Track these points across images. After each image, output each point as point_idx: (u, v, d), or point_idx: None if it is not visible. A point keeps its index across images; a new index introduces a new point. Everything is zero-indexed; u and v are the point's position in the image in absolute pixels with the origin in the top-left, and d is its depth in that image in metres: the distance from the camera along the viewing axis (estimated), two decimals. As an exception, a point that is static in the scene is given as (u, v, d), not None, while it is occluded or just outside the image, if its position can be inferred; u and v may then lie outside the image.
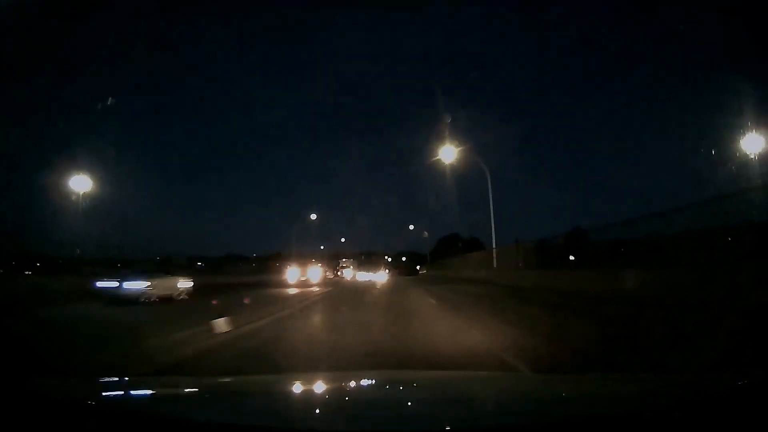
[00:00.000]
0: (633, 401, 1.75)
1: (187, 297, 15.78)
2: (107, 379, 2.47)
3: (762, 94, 13.32)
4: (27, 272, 20.58)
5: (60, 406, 1.52)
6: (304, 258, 40.05)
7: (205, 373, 4.64)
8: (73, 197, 21.36)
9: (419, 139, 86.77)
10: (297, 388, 2.38)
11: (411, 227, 71.25)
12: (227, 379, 3.03)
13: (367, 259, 72.69)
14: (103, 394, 1.95)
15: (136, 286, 13.57)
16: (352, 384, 2.57)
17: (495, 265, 26.17)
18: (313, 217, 50.72)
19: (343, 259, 64.29)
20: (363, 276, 45.21)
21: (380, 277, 43.46)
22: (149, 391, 2.13)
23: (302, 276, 29.10)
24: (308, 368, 4.78)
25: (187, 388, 2.31)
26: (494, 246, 27.22)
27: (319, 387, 2.44)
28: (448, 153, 26.08)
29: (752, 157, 13.35)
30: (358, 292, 20.64)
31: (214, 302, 13.34)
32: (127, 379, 2.66)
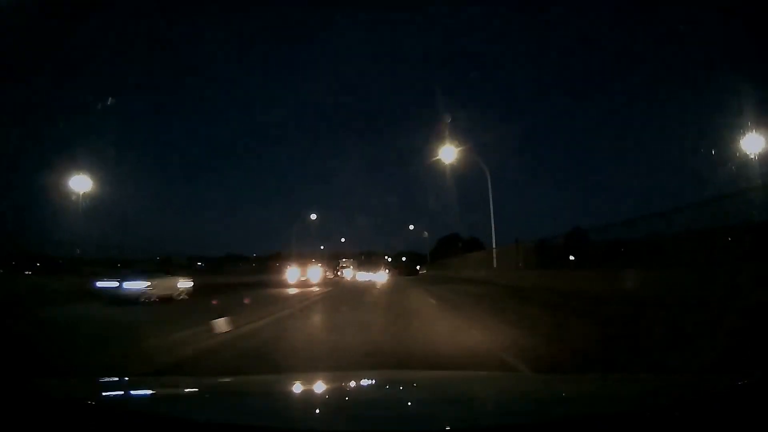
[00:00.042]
0: (633, 401, 1.75)
1: (187, 297, 15.73)
2: (107, 379, 2.47)
3: (762, 94, 13.33)
4: (27, 272, 20.60)
5: (60, 406, 1.52)
6: (304, 258, 39.98)
7: (205, 373, 4.64)
8: (73, 197, 21.39)
9: (419, 139, 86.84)
10: (297, 388, 2.38)
11: (411, 227, 71.36)
12: (227, 379, 3.03)
13: (367, 259, 72.69)
14: (103, 394, 1.95)
15: (136, 286, 13.54)
16: (352, 384, 2.57)
17: (495, 266, 26.11)
18: (313, 217, 50.80)
19: (343, 259, 64.29)
20: (363, 276, 45.21)
21: (380, 277, 43.45)
22: (149, 391, 2.13)
23: (302, 276, 28.99)
24: (308, 369, 4.78)
25: (187, 388, 2.31)
26: (494, 246, 27.16)
27: (319, 387, 2.44)
28: (448, 153, 26.08)
29: (752, 157, 13.35)
30: (358, 292, 20.60)
31: (214, 302, 13.30)
32: (127, 379, 2.66)
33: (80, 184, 21.65)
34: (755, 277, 7.50)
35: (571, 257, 18.14)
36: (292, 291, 20.32)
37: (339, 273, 53.10)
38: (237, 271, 41.59)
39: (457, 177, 32.60)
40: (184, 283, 16.33)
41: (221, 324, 7.14)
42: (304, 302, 14.12)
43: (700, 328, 5.94)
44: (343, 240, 76.51)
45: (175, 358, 5.25)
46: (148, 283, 13.76)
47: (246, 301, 13.60)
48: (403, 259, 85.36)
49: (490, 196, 26.24)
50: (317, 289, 22.83)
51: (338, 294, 19.23)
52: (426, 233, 68.77)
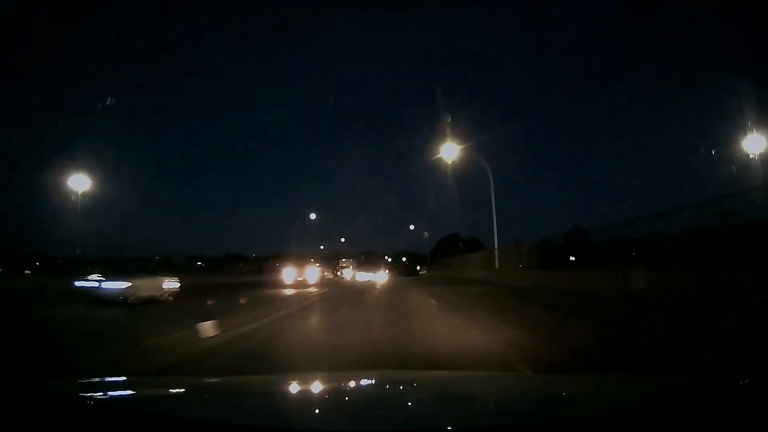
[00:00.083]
0: (633, 401, 1.75)
1: (172, 298, 14.94)
2: (107, 379, 2.47)
3: (762, 94, 13.34)
4: (27, 271, 20.64)
5: (60, 406, 1.52)
6: (303, 258, 39.77)
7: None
8: (74, 197, 21.40)
9: (419, 139, 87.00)
10: (297, 388, 2.38)
11: (411, 227, 71.43)
12: (227, 379, 3.03)
13: (367, 259, 72.74)
14: (103, 394, 1.95)
15: (115, 286, 12.85)
16: (352, 384, 2.57)
17: (497, 266, 25.93)
18: (313, 216, 50.76)
19: (343, 259, 64.33)
20: (362, 276, 45.20)
21: (380, 277, 43.45)
22: (149, 391, 2.13)
23: (299, 276, 28.23)
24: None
25: (187, 388, 2.31)
26: (496, 246, 26.87)
27: (319, 387, 2.44)
28: (449, 152, 25.91)
29: (752, 157, 13.36)
30: (357, 292, 20.48)
31: (209, 302, 13.06)
32: (127, 379, 2.66)
33: (80, 183, 21.68)
34: (755, 277, 7.50)
35: (572, 257, 18.14)
36: (289, 292, 19.78)
37: (338, 273, 53.10)
38: (236, 271, 41.63)
39: (458, 177, 32.52)
40: (170, 284, 15.45)
41: (208, 328, 6.74)
42: (299, 304, 13.48)
43: (700, 328, 5.94)
44: (342, 240, 76.66)
45: (149, 367, 4.72)
46: (129, 284, 13.03)
47: (242, 301, 13.48)
48: (403, 259, 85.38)
49: (492, 194, 26.00)
50: (314, 289, 22.25)
51: (336, 295, 18.78)
52: (426, 233, 68.87)
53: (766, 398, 1.45)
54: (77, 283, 13.50)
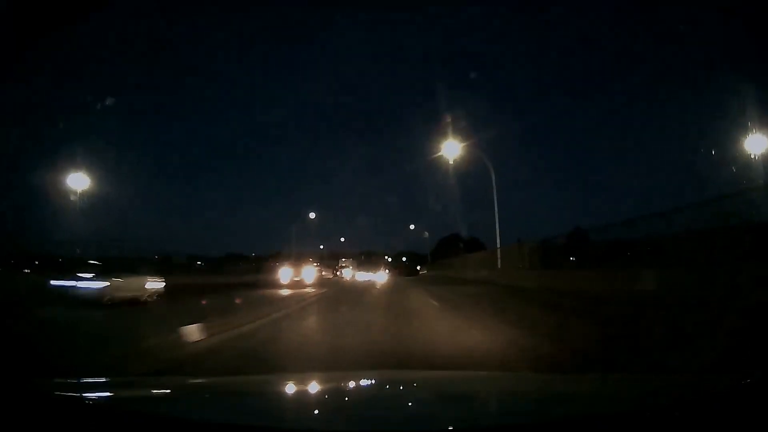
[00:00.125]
0: (633, 401, 1.75)
1: (155, 299, 14.01)
2: (107, 379, 2.47)
3: (762, 94, 13.33)
4: (26, 270, 20.65)
5: (60, 406, 1.52)
6: (303, 257, 39.60)
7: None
8: (74, 197, 21.40)
9: (419, 139, 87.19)
10: (297, 388, 2.38)
11: (411, 227, 71.45)
12: (227, 379, 3.03)
13: (367, 259, 72.73)
14: (103, 394, 1.95)
15: (93, 285, 12.09)
16: (352, 384, 2.57)
17: (499, 266, 25.61)
18: (312, 216, 50.71)
19: (343, 259, 64.30)
20: (362, 276, 45.20)
21: (380, 277, 43.46)
22: (149, 391, 2.13)
23: (295, 276, 27.34)
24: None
25: (187, 388, 2.31)
26: (498, 245, 26.47)
27: (319, 387, 2.44)
28: (449, 152, 25.67)
29: (752, 157, 13.36)
30: (355, 292, 20.35)
31: (194, 304, 12.43)
32: (127, 379, 2.66)
33: (81, 183, 21.67)
34: (755, 277, 7.50)
35: (572, 258, 18.10)
36: (284, 292, 19.05)
37: (338, 273, 53.09)
38: (236, 270, 41.55)
39: (458, 177, 32.42)
40: (154, 284, 14.56)
41: (193, 332, 6.24)
42: (293, 306, 12.70)
43: (700, 328, 5.93)
44: (342, 239, 76.68)
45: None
46: (107, 283, 12.26)
47: (237, 300, 13.24)
48: (404, 259, 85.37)
49: (495, 192, 25.67)
50: (311, 290, 21.47)
51: (333, 295, 18.11)
52: (426, 233, 68.92)
53: (766, 398, 1.45)
54: (53, 282, 12.73)
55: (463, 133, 25.10)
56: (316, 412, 1.94)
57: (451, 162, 26.48)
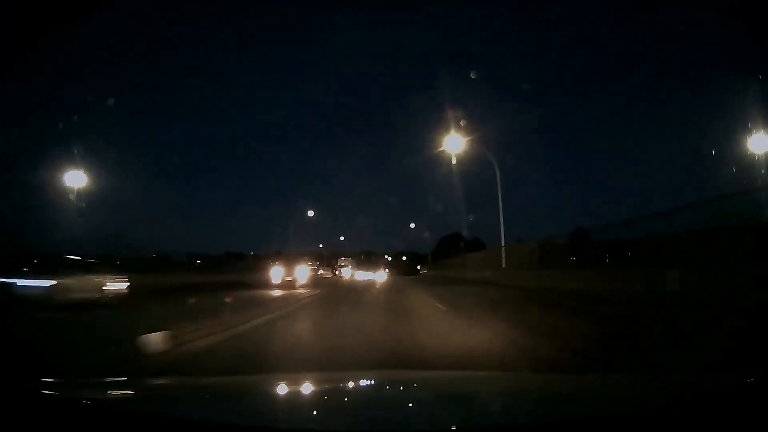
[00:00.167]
0: (633, 401, 1.75)
1: (115, 301, 12.40)
2: (107, 379, 2.47)
3: (762, 94, 13.32)
4: (25, 269, 20.55)
5: (60, 406, 1.52)
6: (301, 257, 39.34)
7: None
8: (74, 197, 21.40)
9: (419, 139, 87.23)
10: (297, 388, 2.38)
11: (412, 225, 71.45)
12: (227, 379, 3.03)
13: (367, 259, 72.82)
14: (103, 394, 1.94)
15: (35, 284, 10.49)
16: (353, 384, 2.57)
17: (504, 265, 25.14)
18: (311, 214, 50.47)
19: (342, 258, 64.32)
20: (361, 275, 45.18)
21: (379, 276, 43.45)
22: (149, 391, 2.13)
23: (287, 276, 25.48)
24: None
25: (187, 388, 2.31)
26: (503, 244, 25.87)
27: (320, 387, 2.43)
28: (450, 150, 25.24)
29: (752, 157, 13.37)
30: (354, 292, 20.06)
31: (193, 301, 11.68)
32: (126, 379, 2.66)
33: (81, 183, 21.67)
34: (755, 277, 7.51)
35: (573, 257, 18.05)
36: (275, 293, 17.89)
37: (337, 272, 53.09)
38: (234, 269, 41.55)
39: (459, 176, 32.33)
40: (115, 284, 12.86)
41: (156, 341, 5.42)
42: (289, 307, 12.08)
43: (700, 328, 5.93)
44: (342, 238, 76.71)
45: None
46: (54, 282, 10.70)
47: (228, 300, 12.80)
48: (404, 258, 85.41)
49: (499, 189, 25.24)
50: (304, 290, 20.13)
51: (327, 297, 16.72)
52: (427, 233, 68.95)
53: (766, 398, 1.45)
54: None
55: (463, 133, 24.91)
56: (317, 412, 1.94)
57: (451, 161, 26.11)
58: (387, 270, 57.28)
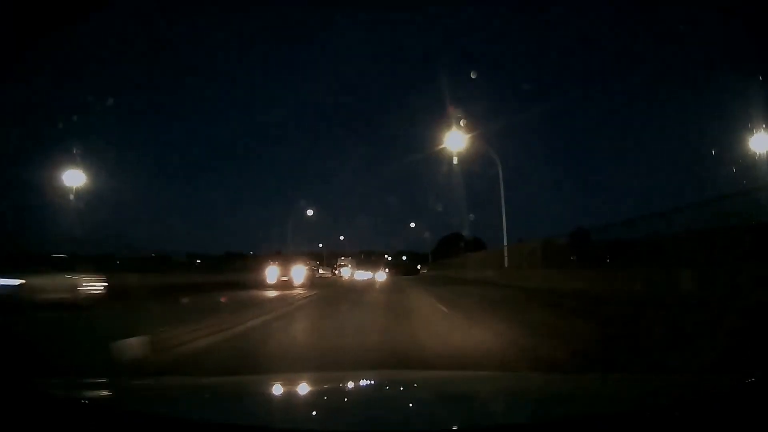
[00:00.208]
0: (633, 401, 1.75)
1: (90, 302, 11.64)
2: (107, 380, 2.47)
3: (762, 94, 13.33)
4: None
5: (60, 406, 1.52)
6: (301, 256, 39.12)
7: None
8: (74, 196, 21.40)
9: (419, 139, 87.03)
10: (297, 388, 2.38)
11: (412, 225, 71.50)
12: (227, 379, 3.03)
13: (367, 259, 72.88)
14: (103, 394, 1.94)
15: (1, 282, 9.92)
16: (352, 384, 2.57)
17: (506, 265, 24.92)
18: (310, 212, 50.23)
19: (341, 258, 64.35)
20: (361, 275, 45.20)
21: (379, 276, 43.47)
22: (149, 391, 2.13)
23: (283, 276, 24.72)
24: None
25: (187, 388, 2.31)
26: (505, 243, 25.62)
27: (320, 387, 2.43)
28: (451, 149, 24.88)
29: (752, 157, 13.37)
30: (353, 292, 19.97)
31: (186, 301, 11.38)
32: (126, 379, 2.66)
33: (81, 183, 21.69)
34: (755, 277, 7.51)
35: (572, 257, 18.03)
36: (270, 294, 17.26)
37: (337, 272, 53.10)
38: (233, 269, 41.55)
39: (460, 176, 32.19)
40: (91, 285, 12.11)
41: (132, 347, 4.94)
42: (283, 308, 11.68)
43: (700, 328, 5.92)
44: (342, 238, 76.71)
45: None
46: (21, 281, 10.08)
47: (223, 301, 12.63)
48: (404, 258, 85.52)
49: (501, 187, 25.02)
50: (299, 291, 19.24)
51: (323, 298, 16.09)
52: (427, 233, 69.03)
53: (766, 398, 1.45)
54: None
55: (463, 132, 24.78)
56: (317, 412, 1.94)
57: (452, 160, 25.81)
58: (387, 270, 57.36)
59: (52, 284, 10.88)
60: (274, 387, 2.40)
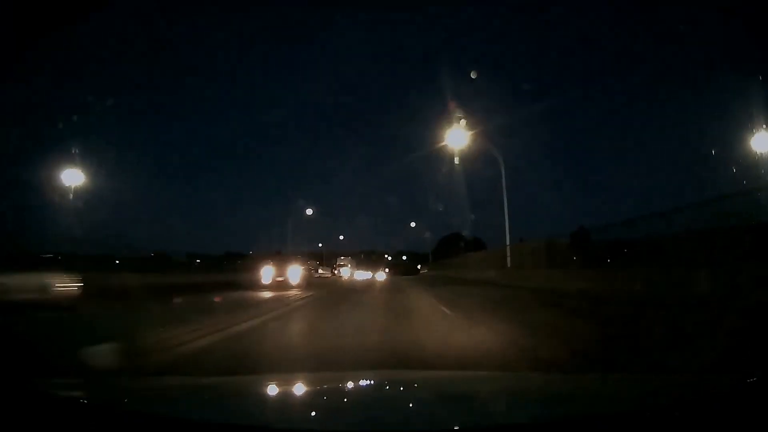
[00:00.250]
0: (633, 401, 1.75)
1: (64, 302, 10.55)
2: (108, 380, 2.47)
3: (762, 94, 13.32)
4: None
5: (60, 406, 1.52)
6: (301, 256, 39.16)
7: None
8: (73, 196, 21.39)
9: (420, 139, 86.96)
10: (297, 388, 2.38)
11: (412, 225, 71.54)
12: (228, 379, 3.03)
13: (367, 258, 72.91)
14: (103, 393, 1.94)
15: None
16: (353, 384, 2.57)
17: (509, 264, 24.70)
18: (309, 212, 50.07)
19: (341, 258, 64.29)
20: (361, 275, 45.17)
21: (379, 276, 43.47)
22: (149, 391, 2.13)
23: (278, 276, 24.09)
24: None
25: (187, 388, 2.31)
26: (508, 243, 25.31)
27: (320, 387, 2.43)
28: (453, 147, 24.86)
29: (752, 157, 13.36)
30: (352, 292, 19.85)
31: (177, 303, 11.11)
32: (126, 379, 2.66)
33: (80, 183, 21.69)
34: (755, 277, 7.50)
35: (575, 257, 18.00)
36: (264, 295, 16.64)
37: (336, 272, 53.08)
38: (232, 269, 41.53)
39: (460, 176, 32.12)
40: (64, 284, 11.13)
41: (105, 353, 4.51)
42: (278, 310, 11.34)
43: (701, 328, 5.91)
44: (342, 238, 76.72)
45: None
46: None
47: (214, 303, 12.60)
48: (404, 258, 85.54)
49: (504, 186, 24.82)
50: (294, 292, 18.41)
51: (320, 299, 15.56)
52: (427, 233, 69.05)
53: (766, 398, 1.45)
54: None
55: (464, 130, 24.66)
56: (317, 412, 1.94)
57: (453, 160, 25.81)
58: (387, 270, 57.37)
59: (23, 284, 10.17)
60: (274, 387, 2.40)
